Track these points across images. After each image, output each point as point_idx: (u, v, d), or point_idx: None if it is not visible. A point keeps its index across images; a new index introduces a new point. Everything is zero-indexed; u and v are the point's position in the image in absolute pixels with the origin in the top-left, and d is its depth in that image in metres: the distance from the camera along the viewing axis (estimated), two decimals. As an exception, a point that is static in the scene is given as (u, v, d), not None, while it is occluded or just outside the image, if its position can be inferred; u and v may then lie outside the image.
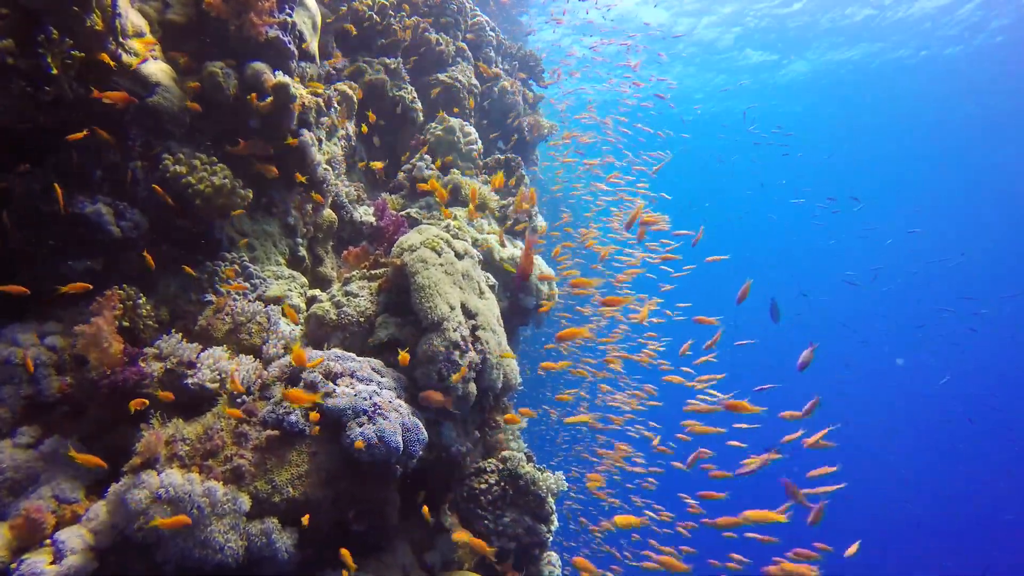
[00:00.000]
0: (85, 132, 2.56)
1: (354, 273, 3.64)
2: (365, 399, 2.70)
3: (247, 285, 3.31)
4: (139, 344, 2.80)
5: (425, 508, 2.94)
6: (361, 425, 2.61)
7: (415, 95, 5.54)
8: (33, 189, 2.58)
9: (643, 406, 5.64)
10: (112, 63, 2.67)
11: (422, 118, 5.63)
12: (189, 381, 2.62)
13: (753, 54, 16.06)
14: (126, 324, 2.78)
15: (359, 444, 2.51)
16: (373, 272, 3.61)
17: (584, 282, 3.94)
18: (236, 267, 3.33)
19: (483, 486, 3.44)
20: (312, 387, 2.68)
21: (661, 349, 5.21)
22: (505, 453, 3.64)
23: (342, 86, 4.69)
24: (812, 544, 3.15)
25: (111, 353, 2.53)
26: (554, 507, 3.61)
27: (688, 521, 4.55)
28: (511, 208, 5.29)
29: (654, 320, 5.47)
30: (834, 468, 3.29)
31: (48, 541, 2.11)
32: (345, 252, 3.93)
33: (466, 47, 6.51)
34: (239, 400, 2.64)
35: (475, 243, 4.47)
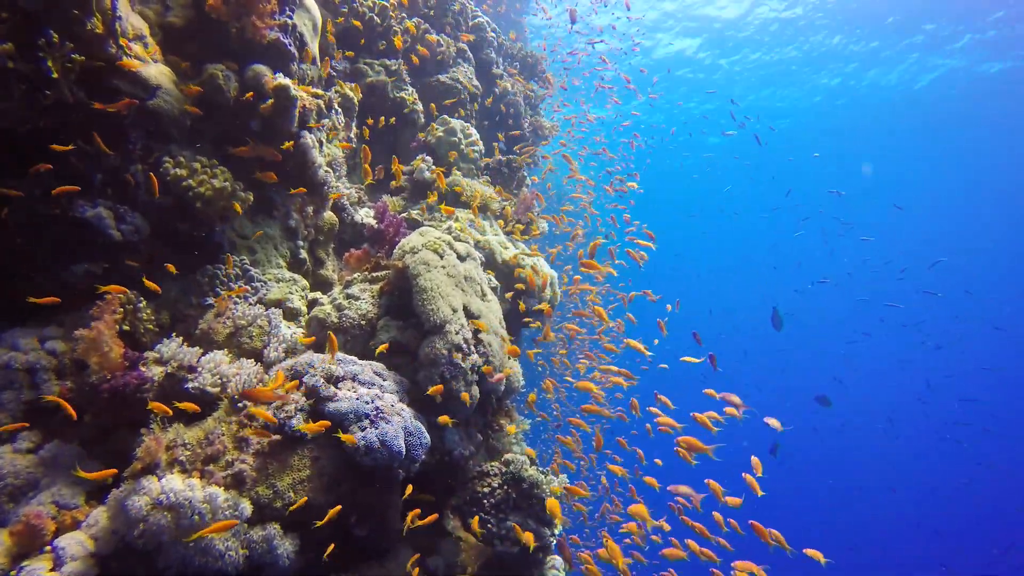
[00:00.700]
0: (71, 146, 2.54)
1: (355, 276, 3.62)
2: (367, 403, 2.68)
3: (248, 288, 3.29)
4: (140, 348, 2.79)
5: (432, 516, 2.91)
6: (363, 429, 2.59)
7: (416, 96, 5.53)
8: (33, 193, 2.57)
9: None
10: (112, 66, 2.65)
11: (423, 119, 5.61)
12: (190, 385, 2.61)
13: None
14: (127, 328, 2.77)
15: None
16: (375, 275, 3.59)
17: (591, 264, 3.90)
18: (237, 270, 3.32)
19: (486, 489, 3.42)
20: (313, 391, 2.66)
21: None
22: (508, 456, 3.62)
23: (343, 88, 4.68)
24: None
25: (111, 357, 2.51)
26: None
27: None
28: (512, 209, 5.28)
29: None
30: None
31: (48, 547, 2.09)
32: (346, 255, 3.92)
33: (467, 48, 6.49)
34: (240, 404, 2.62)
35: (477, 245, 4.45)
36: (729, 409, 3.48)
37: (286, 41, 3.45)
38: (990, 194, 23.35)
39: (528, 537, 3.03)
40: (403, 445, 2.66)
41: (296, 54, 3.59)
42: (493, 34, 7.01)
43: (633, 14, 10.92)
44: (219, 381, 2.65)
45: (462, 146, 5.40)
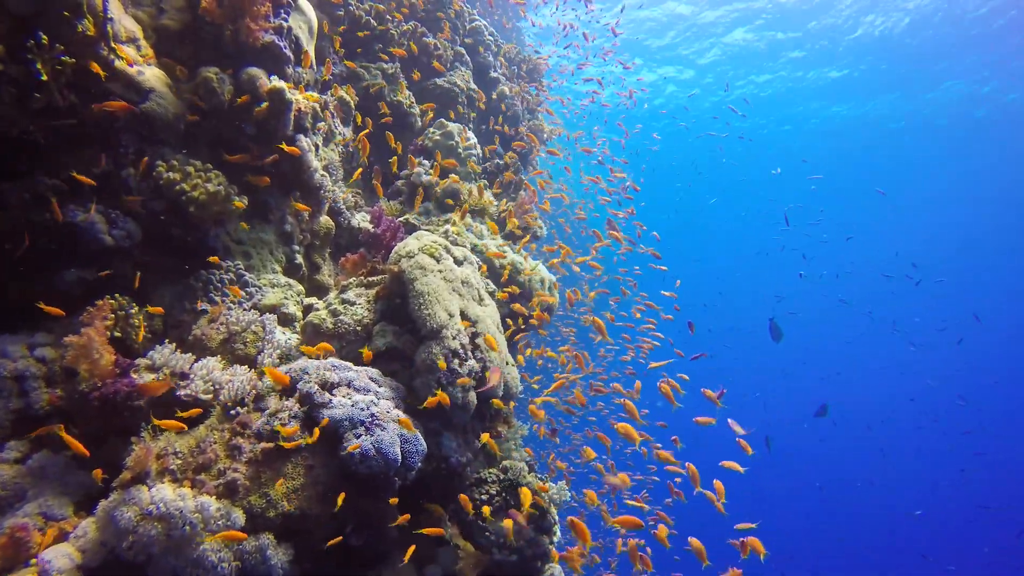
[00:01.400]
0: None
1: (351, 280, 3.58)
2: (362, 409, 2.64)
3: (243, 293, 3.25)
4: (132, 355, 2.74)
5: (436, 530, 2.87)
6: (358, 436, 2.55)
7: (413, 100, 5.50)
8: (23, 198, 2.53)
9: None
10: (103, 70, 2.62)
11: (420, 123, 5.59)
12: (182, 393, 2.56)
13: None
14: (118, 335, 2.73)
15: (353, 446, 2.45)
16: (371, 279, 3.55)
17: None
18: (231, 275, 3.27)
19: (484, 497, 3.37)
20: (308, 398, 2.62)
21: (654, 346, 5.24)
22: (506, 463, 3.57)
23: (339, 91, 4.65)
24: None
25: (102, 364, 2.47)
26: (557, 518, 3.54)
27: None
28: (511, 213, 5.24)
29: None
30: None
31: (34, 560, 2.04)
32: (342, 259, 3.88)
33: (464, 52, 6.48)
34: (232, 412, 2.57)
35: (474, 249, 4.41)
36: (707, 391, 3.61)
37: (281, 44, 3.42)
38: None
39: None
40: (399, 452, 2.61)
41: (291, 57, 3.57)
42: (491, 38, 7.00)
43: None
44: (211, 388, 2.61)
45: (459, 149, 5.37)
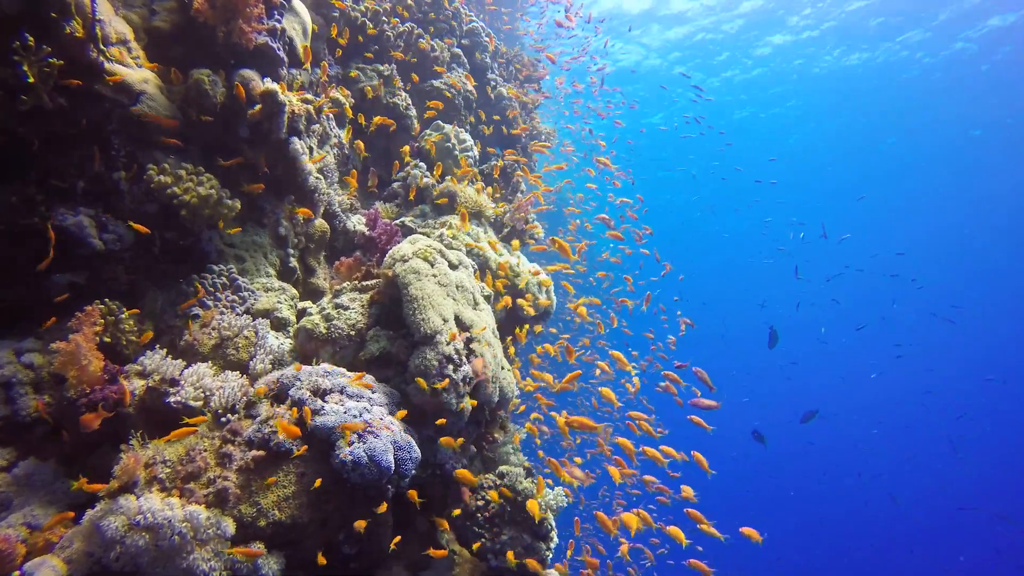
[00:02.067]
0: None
1: (345, 285, 3.55)
2: (355, 416, 2.60)
3: (235, 298, 3.22)
4: (122, 361, 2.70)
5: (441, 552, 2.86)
6: (351, 444, 2.51)
7: (409, 102, 5.47)
8: (11, 201, 2.49)
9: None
10: (93, 71, 2.59)
11: (417, 125, 5.55)
12: (171, 399, 2.53)
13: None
14: (108, 340, 2.69)
15: (344, 454, 2.41)
16: (365, 284, 3.51)
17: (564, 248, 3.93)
18: (224, 279, 3.24)
19: (480, 503, 3.33)
20: (299, 404, 2.58)
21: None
22: (503, 468, 3.54)
23: (334, 93, 4.62)
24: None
25: (90, 371, 2.43)
26: (554, 523, 3.50)
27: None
28: (508, 215, 5.21)
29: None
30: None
31: (17, 573, 2.00)
32: (337, 263, 3.84)
33: (461, 53, 6.45)
34: (223, 419, 2.54)
35: (470, 252, 4.38)
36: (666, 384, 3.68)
37: (275, 46, 3.39)
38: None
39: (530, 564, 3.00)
40: (392, 460, 2.57)
41: (285, 59, 3.53)
42: (487, 39, 6.97)
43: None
44: (202, 395, 2.57)
45: (456, 151, 5.34)
